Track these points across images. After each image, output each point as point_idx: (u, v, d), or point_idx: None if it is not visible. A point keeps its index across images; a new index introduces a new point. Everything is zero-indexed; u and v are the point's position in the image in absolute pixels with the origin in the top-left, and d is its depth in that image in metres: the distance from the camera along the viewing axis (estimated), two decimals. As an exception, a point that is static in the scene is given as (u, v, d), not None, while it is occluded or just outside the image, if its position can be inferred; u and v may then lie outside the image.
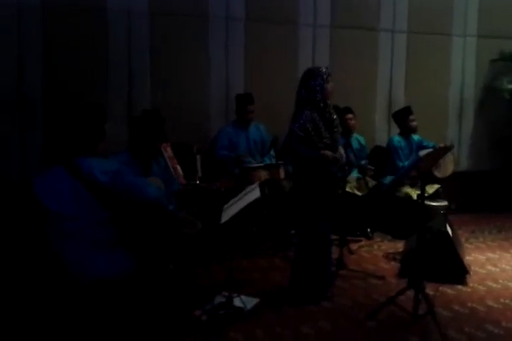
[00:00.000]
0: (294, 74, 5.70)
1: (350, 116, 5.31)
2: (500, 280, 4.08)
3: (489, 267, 4.41)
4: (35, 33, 4.80)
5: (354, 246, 4.87)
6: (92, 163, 2.55)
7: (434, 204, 4.86)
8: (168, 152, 4.32)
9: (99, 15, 4.98)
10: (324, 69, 3.55)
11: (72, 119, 2.65)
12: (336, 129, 3.61)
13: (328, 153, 3.49)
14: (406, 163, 5.34)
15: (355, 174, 5.17)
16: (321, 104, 3.53)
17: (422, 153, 4.89)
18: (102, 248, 2.54)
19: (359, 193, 5.10)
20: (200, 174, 4.74)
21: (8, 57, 4.75)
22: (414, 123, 5.43)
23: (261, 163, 4.92)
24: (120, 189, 2.53)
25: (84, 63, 4.93)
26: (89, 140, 2.62)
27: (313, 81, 3.50)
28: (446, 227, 4.09)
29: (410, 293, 3.36)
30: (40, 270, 3.56)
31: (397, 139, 5.50)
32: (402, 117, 5.49)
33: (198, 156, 4.78)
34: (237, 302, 3.41)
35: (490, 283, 4.02)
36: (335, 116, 3.62)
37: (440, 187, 5.22)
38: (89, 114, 2.68)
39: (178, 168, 4.36)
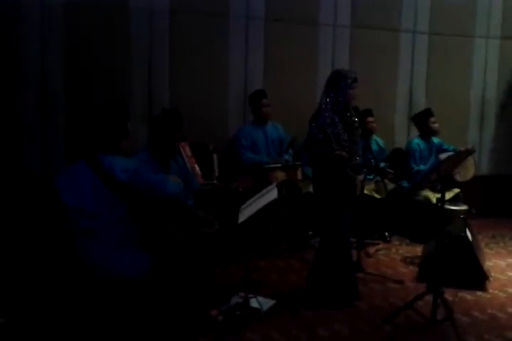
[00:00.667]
0: (313, 74, 5.71)
1: (370, 119, 5.28)
2: (521, 287, 4.01)
3: (510, 273, 4.33)
4: (58, 32, 4.82)
5: (372, 250, 4.82)
6: (113, 160, 2.57)
7: (453, 208, 4.80)
8: (186, 151, 4.32)
9: (121, 13, 4.99)
10: (351, 74, 3.52)
11: (96, 117, 2.67)
12: (355, 132, 3.59)
13: (343, 153, 3.47)
14: (421, 167, 5.29)
15: (373, 177, 5.12)
16: (342, 107, 3.51)
17: (443, 156, 4.84)
18: (121, 246, 2.55)
19: (378, 196, 5.05)
20: (217, 173, 4.75)
21: (31, 54, 4.77)
22: (436, 126, 5.37)
23: (279, 161, 4.87)
24: (140, 186, 2.55)
25: (105, 61, 4.94)
26: (112, 138, 2.64)
27: (337, 84, 3.48)
28: (466, 232, 4.03)
29: (429, 298, 3.32)
30: (61, 266, 3.58)
31: (416, 142, 5.44)
32: (422, 119, 5.43)
33: (215, 155, 4.78)
34: (253, 303, 3.40)
35: (511, 290, 3.95)
36: (355, 119, 3.59)
37: (460, 191, 5.16)
38: (112, 112, 2.69)
39: (197, 167, 4.36)
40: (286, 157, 4.99)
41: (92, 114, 2.73)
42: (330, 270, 3.53)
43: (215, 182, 4.47)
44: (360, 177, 4.88)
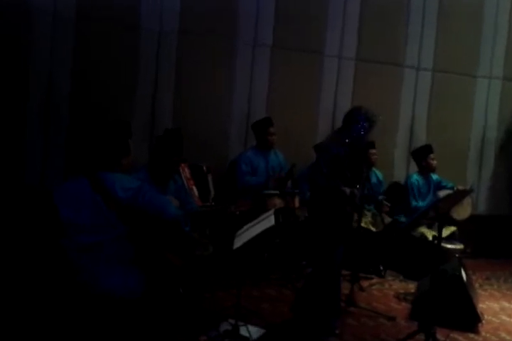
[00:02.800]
0: (315, 103, 5.74)
1: (373, 151, 5.28)
2: (514, 332, 3.94)
3: (503, 317, 4.26)
4: (67, 46, 4.81)
5: (365, 284, 4.75)
6: (115, 178, 2.55)
7: (449, 246, 4.77)
8: (186, 173, 4.30)
9: (131, 32, 5.01)
10: (374, 118, 3.56)
11: (99, 133, 2.68)
12: (359, 166, 3.61)
13: (347, 190, 3.45)
14: (420, 203, 5.28)
15: (371, 209, 5.10)
16: (353, 141, 3.54)
17: (442, 194, 4.85)
18: (116, 264, 2.51)
19: (374, 229, 5.01)
20: (212, 194, 4.71)
21: (38, 64, 4.76)
22: (434, 162, 5.38)
23: (277, 190, 4.85)
24: (140, 205, 2.52)
25: (111, 78, 4.93)
26: (114, 154, 2.63)
27: (361, 122, 3.51)
28: (460, 271, 3.98)
29: (420, 337, 3.25)
30: (53, 280, 3.50)
31: (415, 177, 5.45)
32: (422, 155, 5.45)
33: (209, 176, 4.75)
34: (243, 331, 3.32)
35: (503, 334, 3.87)
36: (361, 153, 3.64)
37: (457, 229, 5.13)
38: (115, 130, 2.71)
39: (194, 189, 4.33)
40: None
41: (95, 130, 2.74)
42: (317, 301, 3.48)
43: (212, 203, 4.43)
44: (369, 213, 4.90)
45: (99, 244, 2.48)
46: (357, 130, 3.51)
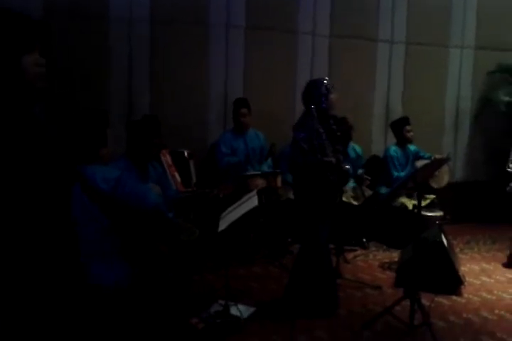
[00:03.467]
0: (292, 82, 5.76)
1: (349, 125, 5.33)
2: (495, 291, 4.10)
3: (483, 278, 4.43)
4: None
5: (350, 256, 4.88)
6: (94, 170, 2.54)
7: (429, 214, 4.89)
8: (167, 159, 4.34)
9: (100, 22, 4.97)
10: (327, 81, 3.60)
11: (75, 125, 2.65)
12: (338, 141, 3.65)
13: (332, 159, 3.52)
14: (401, 174, 5.38)
15: (351, 184, 5.19)
16: (325, 115, 3.56)
17: (419, 164, 4.94)
18: (102, 256, 2.54)
19: (355, 203, 5.12)
20: (194, 180, 4.75)
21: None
22: (410, 134, 5.47)
23: (258, 170, 4.93)
24: (121, 196, 2.52)
25: (84, 70, 4.90)
26: (91, 145, 2.61)
27: (317, 91, 3.54)
28: (441, 237, 4.11)
29: (406, 303, 3.37)
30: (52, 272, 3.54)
31: (393, 149, 5.53)
32: (398, 127, 5.53)
33: (191, 161, 4.78)
34: (233, 310, 3.41)
35: (484, 294, 4.04)
36: (335, 127, 3.65)
37: (435, 197, 5.26)
38: (91, 120, 2.67)
39: (177, 175, 4.37)
40: (265, 168, 5.03)
41: (70, 122, 2.71)
42: (310, 278, 3.55)
43: (194, 189, 4.47)
44: (349, 186, 4.98)
45: (87, 236, 2.50)
46: (324, 99, 3.53)
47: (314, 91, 3.55)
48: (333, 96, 3.56)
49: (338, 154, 3.61)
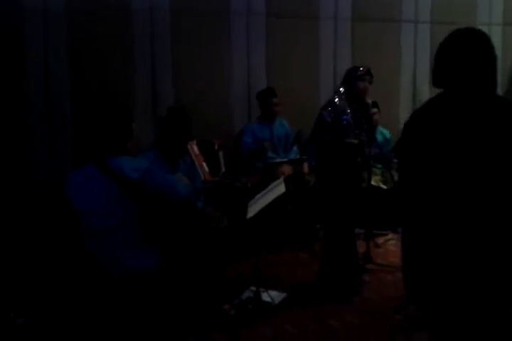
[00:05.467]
0: (315, 68, 5.73)
1: (374, 110, 5.27)
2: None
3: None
4: (61, 34, 4.87)
5: (380, 240, 4.85)
6: (122, 161, 2.59)
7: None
8: (194, 150, 4.38)
9: (122, 13, 5.02)
10: (364, 67, 3.74)
11: (100, 119, 2.69)
12: (363, 125, 3.69)
13: (355, 140, 3.56)
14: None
15: (380, 168, 5.15)
16: (354, 98, 3.67)
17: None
18: (132, 245, 2.58)
19: (385, 187, 5.07)
20: (223, 170, 4.80)
21: (35, 58, 4.83)
22: None
23: (285, 158, 4.93)
24: (150, 187, 2.57)
25: (108, 63, 4.98)
26: (118, 139, 2.65)
27: (349, 74, 3.72)
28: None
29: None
30: (72, 269, 3.65)
31: (422, 131, 5.44)
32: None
33: (221, 152, 4.83)
34: (264, 297, 3.46)
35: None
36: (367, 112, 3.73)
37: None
38: (115, 114, 2.72)
39: (205, 165, 4.41)
40: (292, 155, 5.03)
41: (96, 116, 2.76)
42: (336, 262, 3.59)
43: (221, 178, 4.51)
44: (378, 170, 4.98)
45: (113, 227, 2.54)
46: (352, 84, 3.68)
47: (346, 75, 3.74)
48: (361, 83, 3.67)
49: (360, 136, 3.63)
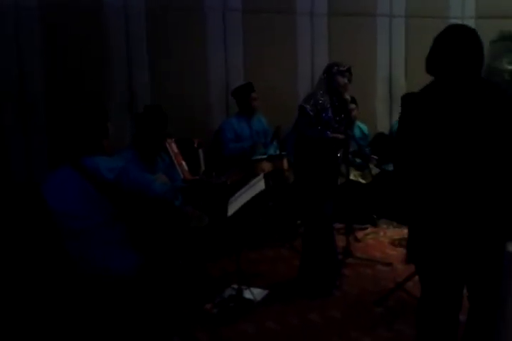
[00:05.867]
0: (292, 64, 5.73)
1: (352, 106, 5.29)
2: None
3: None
4: (34, 33, 4.80)
5: (360, 234, 4.90)
6: (98, 161, 2.58)
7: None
8: (173, 148, 4.35)
9: (96, 10, 4.97)
10: (344, 65, 3.74)
11: (75, 119, 2.68)
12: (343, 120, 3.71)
13: (340, 135, 3.61)
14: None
15: (359, 162, 5.19)
16: (334, 94, 3.67)
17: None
18: (112, 246, 2.58)
19: (363, 181, 5.12)
20: (203, 168, 4.78)
21: (7, 58, 4.75)
22: None
23: (264, 154, 4.93)
24: (126, 186, 2.56)
25: (83, 61, 4.93)
26: (94, 138, 2.64)
27: (329, 69, 3.72)
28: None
29: (418, 279, 3.39)
30: (49, 270, 3.62)
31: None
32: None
33: (200, 151, 4.80)
34: (246, 294, 3.47)
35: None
36: (349, 108, 3.85)
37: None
38: (91, 113, 2.70)
39: (184, 163, 4.38)
40: (271, 151, 5.04)
41: (71, 116, 2.74)
42: (316, 257, 3.62)
43: (200, 177, 4.50)
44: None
45: (92, 228, 2.53)
46: (332, 79, 3.68)
47: (328, 70, 3.73)
48: (342, 79, 3.68)
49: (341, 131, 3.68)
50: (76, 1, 4.87)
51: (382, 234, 5.00)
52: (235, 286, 3.51)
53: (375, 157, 4.96)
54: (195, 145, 4.75)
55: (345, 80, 3.72)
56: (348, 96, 3.78)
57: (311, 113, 3.56)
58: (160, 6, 5.15)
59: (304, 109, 3.58)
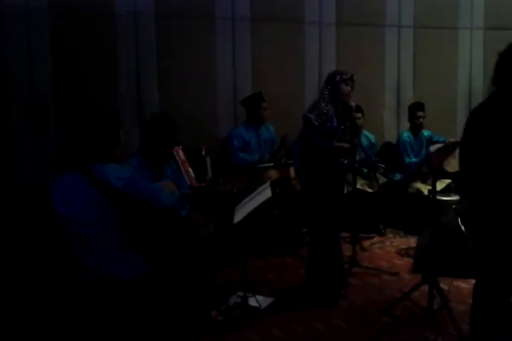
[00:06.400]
0: (301, 73, 5.76)
1: (358, 115, 5.31)
2: (515, 274, 4.07)
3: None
4: (44, 37, 4.83)
5: (366, 243, 4.88)
6: (107, 168, 2.57)
7: (445, 198, 4.86)
8: (180, 155, 4.36)
9: (106, 17, 5.01)
10: (347, 72, 3.71)
11: (87, 125, 2.67)
12: (348, 130, 3.72)
13: (345, 144, 3.61)
14: (413, 159, 5.37)
15: (365, 172, 5.19)
16: (338, 103, 3.65)
17: (433, 148, 4.92)
18: (118, 251, 2.58)
19: (370, 190, 5.11)
20: (210, 176, 4.79)
21: (17, 62, 4.79)
22: (420, 121, 5.45)
23: (271, 161, 4.94)
24: (134, 195, 2.56)
25: (92, 67, 4.97)
26: (105, 146, 2.63)
27: (332, 78, 3.68)
28: (458, 221, 4.09)
29: (425, 288, 3.37)
30: (55, 274, 3.62)
31: (406, 135, 5.52)
32: (411, 112, 5.50)
33: (208, 158, 4.82)
34: (252, 302, 3.46)
35: (504, 277, 4.01)
36: (352, 117, 3.79)
37: (452, 181, 5.22)
38: (104, 120, 2.70)
39: (190, 170, 4.39)
40: (279, 156, 5.04)
41: (83, 122, 2.74)
42: (322, 266, 3.60)
43: (206, 184, 4.50)
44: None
45: (98, 234, 2.53)
46: (335, 88, 3.65)
47: (329, 79, 3.70)
48: (345, 87, 3.66)
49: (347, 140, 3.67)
50: (86, 6, 4.90)
51: (388, 243, 4.98)
52: (241, 294, 3.49)
53: (382, 166, 4.96)
54: (203, 153, 4.77)
55: (349, 88, 3.69)
56: (353, 103, 3.77)
57: (316, 123, 3.55)
58: (169, 13, 5.19)
59: (308, 118, 3.57)
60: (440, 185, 5.00)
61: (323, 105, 3.62)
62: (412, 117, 5.47)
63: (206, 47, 5.39)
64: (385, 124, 6.13)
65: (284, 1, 5.65)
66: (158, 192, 2.67)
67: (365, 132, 5.54)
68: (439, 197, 4.54)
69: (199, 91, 5.35)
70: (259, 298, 3.52)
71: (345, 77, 3.67)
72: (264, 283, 3.92)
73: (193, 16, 5.28)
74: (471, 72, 6.42)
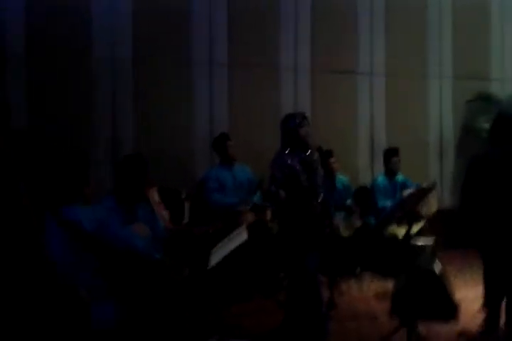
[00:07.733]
0: (277, 117, 5.76)
1: (332, 159, 5.39)
2: (491, 317, 4.05)
3: (479, 304, 4.37)
4: (20, 75, 4.85)
5: (344, 287, 4.83)
6: (78, 211, 2.54)
7: (420, 243, 4.88)
8: (154, 197, 4.33)
9: (85, 60, 5.08)
10: (299, 114, 3.70)
11: (57, 166, 2.66)
12: (316, 171, 3.68)
13: (282, 193, 3.53)
14: (387, 203, 5.42)
15: (341, 215, 5.21)
16: (299, 147, 3.61)
17: (406, 193, 4.99)
18: (92, 299, 2.51)
19: (345, 234, 5.10)
20: (187, 220, 4.74)
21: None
22: (395, 166, 5.55)
23: (247, 201, 4.92)
24: (105, 238, 2.52)
25: (68, 108, 4.97)
26: (74, 185, 2.61)
27: (288, 124, 3.62)
28: (433, 265, 4.09)
29: (403, 332, 3.32)
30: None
31: (380, 179, 5.59)
32: (386, 157, 5.61)
33: (187, 203, 4.78)
34: (228, 346, 3.35)
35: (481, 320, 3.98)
36: (315, 158, 3.69)
37: (426, 224, 5.26)
38: (72, 160, 2.69)
39: (164, 213, 4.35)
40: (255, 199, 5.04)
41: (53, 163, 2.72)
42: (301, 311, 3.54)
43: (182, 227, 4.46)
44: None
45: (73, 279, 2.48)
46: (293, 133, 3.59)
47: (285, 126, 3.64)
48: (302, 129, 3.59)
49: (315, 184, 3.63)
50: (66, 45, 4.94)
51: (366, 286, 4.94)
52: (217, 337, 3.39)
53: (356, 209, 4.99)
54: (183, 197, 4.74)
55: (306, 129, 3.63)
56: (322, 149, 3.74)
57: (279, 175, 3.54)
58: (148, 57, 5.27)
59: (272, 172, 3.56)
60: (414, 228, 5.02)
61: (286, 157, 3.58)
62: (387, 162, 5.57)
63: (183, 91, 5.49)
64: (360, 168, 6.23)
65: (260, 46, 5.81)
66: (130, 237, 2.64)
67: (339, 175, 5.60)
68: (413, 242, 4.57)
69: (176, 134, 5.41)
70: (235, 342, 3.43)
71: (298, 120, 3.60)
72: (241, 328, 3.82)
73: (170, 61, 5.37)
74: (441, 119, 6.63)
